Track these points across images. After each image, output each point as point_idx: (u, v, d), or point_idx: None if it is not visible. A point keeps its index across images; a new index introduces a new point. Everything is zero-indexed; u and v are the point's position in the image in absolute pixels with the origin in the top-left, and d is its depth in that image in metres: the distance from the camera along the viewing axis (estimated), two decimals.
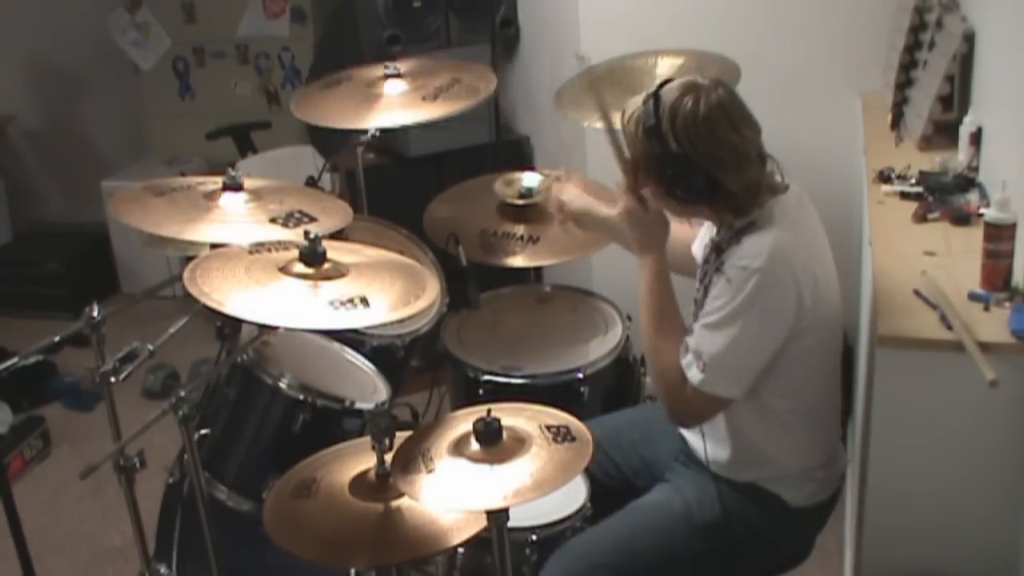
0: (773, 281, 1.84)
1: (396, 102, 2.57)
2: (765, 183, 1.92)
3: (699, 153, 1.85)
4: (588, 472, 2.11)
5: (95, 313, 2.21)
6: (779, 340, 1.88)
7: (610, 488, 2.20)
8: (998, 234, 1.99)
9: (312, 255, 1.90)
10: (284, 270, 1.89)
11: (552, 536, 2.10)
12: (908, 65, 2.90)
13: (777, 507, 2.02)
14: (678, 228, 2.14)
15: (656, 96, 1.88)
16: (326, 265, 1.90)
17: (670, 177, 1.89)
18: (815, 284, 1.89)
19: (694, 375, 1.90)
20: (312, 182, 2.65)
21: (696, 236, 2.17)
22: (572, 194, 2.29)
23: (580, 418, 1.89)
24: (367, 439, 1.95)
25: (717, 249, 1.96)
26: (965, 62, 2.60)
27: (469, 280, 2.52)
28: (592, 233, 2.53)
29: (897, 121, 2.92)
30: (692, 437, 2.11)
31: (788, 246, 1.86)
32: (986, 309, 1.96)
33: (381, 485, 1.90)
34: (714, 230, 2.02)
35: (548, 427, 1.84)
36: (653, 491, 2.13)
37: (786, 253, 1.85)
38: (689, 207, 1.95)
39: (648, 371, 1.99)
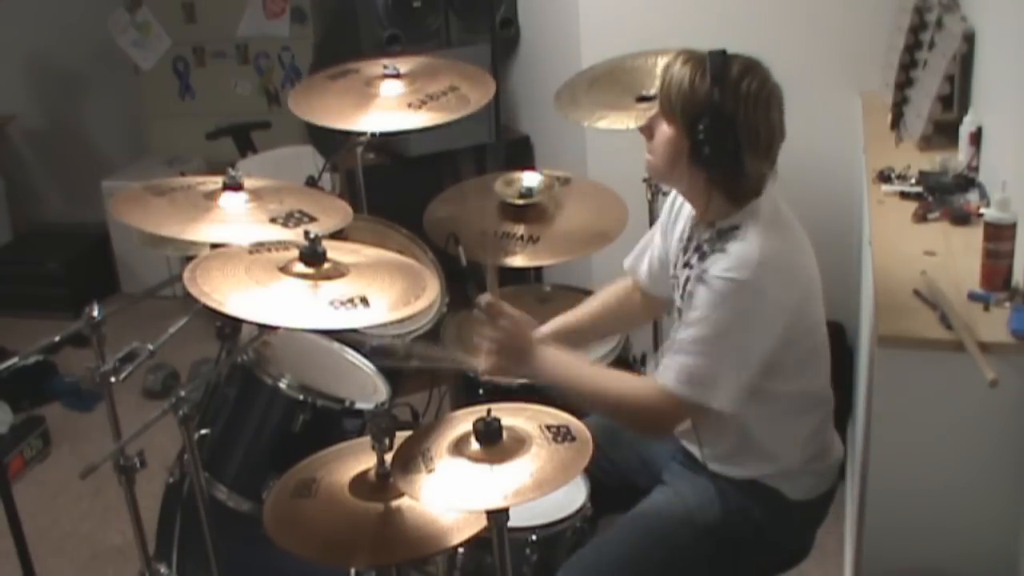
0: (759, 294, 1.82)
1: (392, 103, 2.50)
2: (762, 183, 1.92)
3: (746, 121, 1.84)
4: (587, 472, 2.11)
5: (95, 313, 2.20)
6: (765, 351, 1.86)
7: (610, 487, 2.20)
8: (998, 234, 2.00)
9: (312, 255, 1.89)
10: (284, 270, 1.88)
11: (552, 536, 2.10)
12: (908, 65, 2.90)
13: (777, 501, 2.02)
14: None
15: (724, 54, 1.85)
16: (326, 265, 1.90)
17: (705, 128, 1.84)
18: (808, 283, 1.90)
19: (672, 383, 1.86)
20: (312, 182, 2.65)
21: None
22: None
23: (580, 418, 1.89)
24: (367, 439, 1.95)
25: (700, 253, 1.94)
26: (965, 62, 2.60)
27: (469, 280, 2.52)
28: (591, 233, 2.54)
29: (897, 121, 2.92)
30: (686, 439, 2.11)
31: (776, 252, 1.85)
32: (986, 309, 1.96)
33: (381, 485, 1.90)
34: (690, 225, 2.01)
35: (548, 427, 1.84)
36: (652, 496, 2.12)
37: (774, 262, 1.84)
38: (697, 168, 1.89)
39: (622, 418, 2.02)
